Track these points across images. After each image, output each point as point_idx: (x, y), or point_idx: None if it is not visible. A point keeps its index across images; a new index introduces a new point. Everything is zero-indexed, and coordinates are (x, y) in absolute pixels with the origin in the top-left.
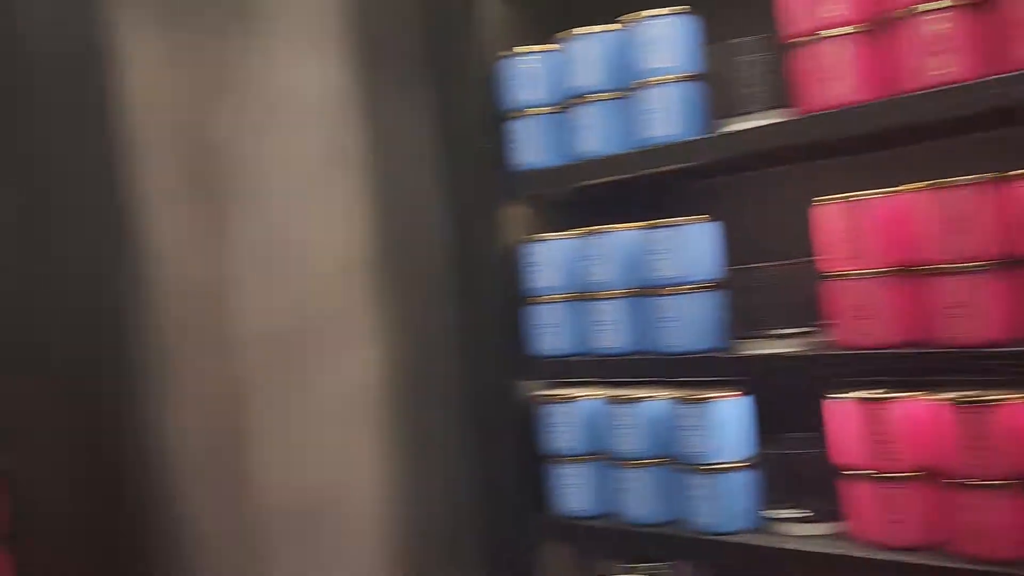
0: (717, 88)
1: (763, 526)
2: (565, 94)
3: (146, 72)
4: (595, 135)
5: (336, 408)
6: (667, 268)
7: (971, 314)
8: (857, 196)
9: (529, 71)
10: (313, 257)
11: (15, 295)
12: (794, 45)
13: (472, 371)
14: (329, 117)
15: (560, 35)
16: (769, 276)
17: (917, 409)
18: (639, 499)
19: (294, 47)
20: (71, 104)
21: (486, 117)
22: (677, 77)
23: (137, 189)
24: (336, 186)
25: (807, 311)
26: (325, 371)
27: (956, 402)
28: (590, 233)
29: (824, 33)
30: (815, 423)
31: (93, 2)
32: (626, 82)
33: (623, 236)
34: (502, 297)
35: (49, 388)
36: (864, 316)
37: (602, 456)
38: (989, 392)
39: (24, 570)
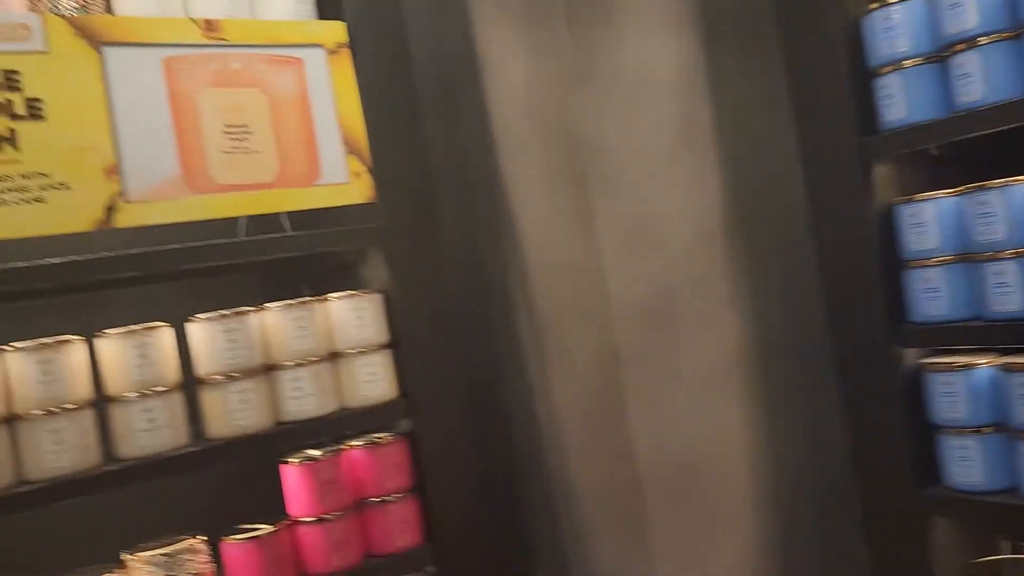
0: None
1: None
2: (943, 41)
3: (511, 69)
4: (981, 82)
5: (703, 373)
6: None
7: None
8: None
9: (899, 20)
10: (673, 230)
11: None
12: None
13: (841, 338)
14: (680, 92)
15: None
16: None
17: None
18: None
19: (643, 28)
20: (447, 103)
21: (847, 75)
22: None
23: (508, 180)
24: (690, 160)
25: None
26: (692, 338)
27: None
28: (979, 189)
29: None
30: None
31: (464, 8)
32: (1017, 21)
33: (1020, 191)
34: (873, 262)
35: (447, 359)
36: None
37: (1000, 428)
38: None
39: (430, 515)
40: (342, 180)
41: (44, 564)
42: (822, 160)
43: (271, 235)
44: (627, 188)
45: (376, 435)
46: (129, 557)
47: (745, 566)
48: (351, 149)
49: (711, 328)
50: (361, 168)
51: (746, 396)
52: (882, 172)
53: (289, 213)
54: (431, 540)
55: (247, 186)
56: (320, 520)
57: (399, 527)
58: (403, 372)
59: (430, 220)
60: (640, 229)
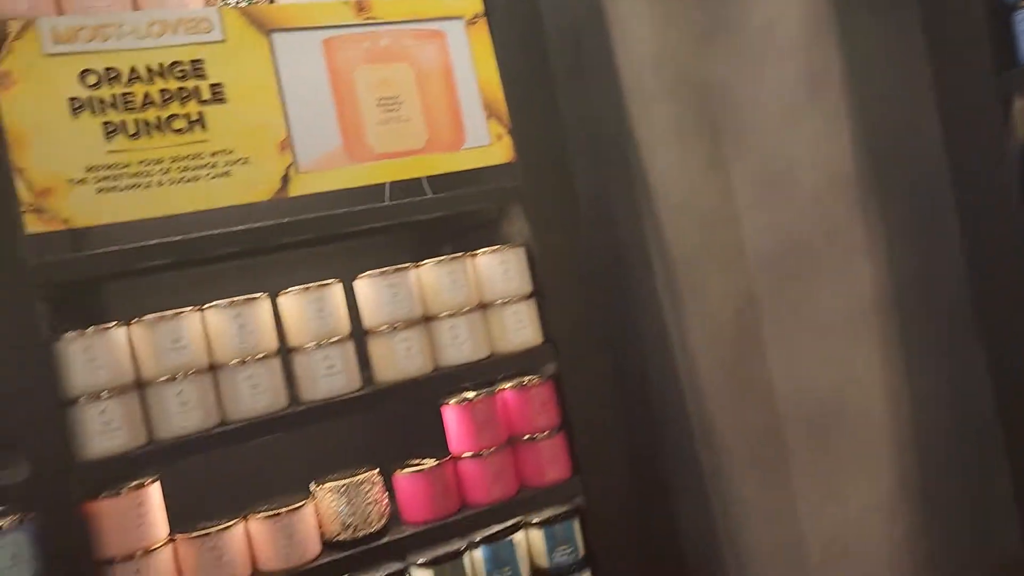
0: None
1: None
2: None
3: (640, 26)
4: None
5: (839, 320)
6: None
7: None
8: None
9: None
10: (804, 179)
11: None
12: None
13: (983, 282)
14: (809, 43)
15: None
16: None
17: None
18: None
19: None
20: (577, 63)
21: (982, 10)
22: None
23: (638, 134)
24: (820, 109)
25: None
26: (826, 284)
27: None
28: None
29: None
30: None
31: None
32: None
33: None
34: (1015, 200)
35: (587, 306)
36: None
37: None
38: None
39: (576, 450)
40: (485, 143)
41: (244, 495)
42: (959, 99)
43: (421, 197)
44: (757, 138)
45: (525, 377)
46: (316, 488)
47: (888, 505)
48: (491, 113)
49: (846, 274)
50: (502, 130)
51: (884, 342)
52: (1022, 108)
53: (433, 177)
54: (578, 473)
55: (401, 153)
56: (478, 455)
57: (549, 461)
58: (547, 319)
59: (565, 176)
60: (771, 178)
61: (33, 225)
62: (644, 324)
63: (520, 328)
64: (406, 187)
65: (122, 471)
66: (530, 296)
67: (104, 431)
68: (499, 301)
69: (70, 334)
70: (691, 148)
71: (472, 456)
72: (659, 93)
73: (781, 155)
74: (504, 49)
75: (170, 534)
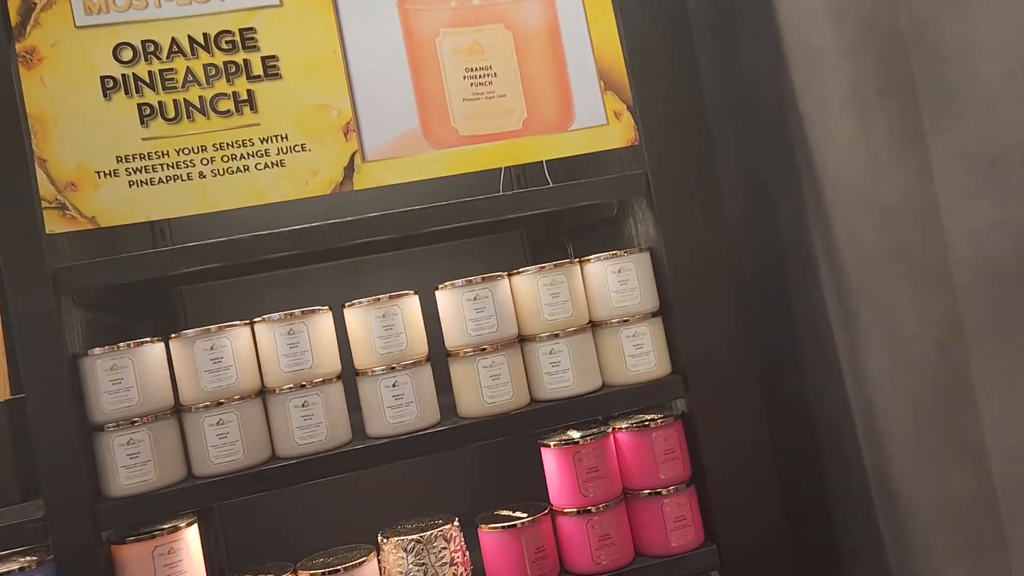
0: None
1: None
2: None
3: None
4: None
5: None
6: None
7: None
8: None
9: None
10: None
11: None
12: None
13: None
14: None
15: None
16: None
17: None
18: None
19: None
20: (723, 18)
21: None
22: None
23: (805, 103)
24: None
25: None
26: None
27: None
28: None
29: None
30: None
31: None
32: None
33: None
34: None
35: (730, 328)
36: None
37: None
38: None
39: (712, 511)
40: (600, 122)
41: (296, 543)
42: None
43: (518, 191)
44: (972, 104)
45: (646, 417)
46: (382, 540)
47: None
48: (609, 85)
49: None
50: (621, 106)
51: None
52: None
53: (529, 166)
54: (714, 540)
55: (493, 136)
56: (584, 512)
57: (675, 524)
58: (676, 344)
59: (706, 161)
60: (990, 158)
61: (54, 224)
62: (806, 353)
63: (641, 354)
64: (486, 179)
65: (153, 512)
66: (655, 314)
67: (132, 465)
68: (615, 320)
69: (96, 350)
70: (876, 121)
71: (576, 512)
72: (835, 50)
73: (1006, 127)
74: (628, 4)
75: None
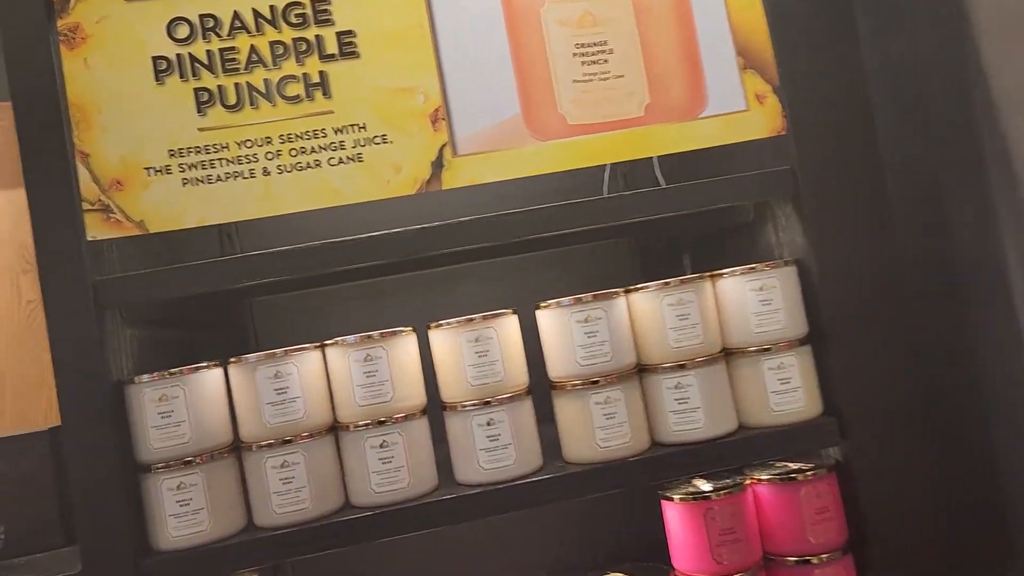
0: None
1: None
2: None
3: None
4: None
5: None
6: None
7: None
8: None
9: None
10: None
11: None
12: None
13: None
14: None
15: None
16: None
17: None
18: None
19: None
20: None
21: None
22: None
23: (998, 88)
24: None
25: None
26: None
27: None
28: None
29: None
30: None
31: None
32: None
33: None
34: None
35: (898, 359)
36: None
37: None
38: None
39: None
40: (738, 107)
41: None
42: None
43: (638, 190)
44: None
45: (791, 466)
46: None
47: None
48: (749, 63)
49: None
50: (765, 88)
51: None
52: None
53: (643, 163)
54: None
55: (608, 125)
56: None
57: None
58: (830, 378)
59: (868, 154)
60: None
61: (96, 229)
62: (996, 390)
63: (787, 391)
64: (581, 182)
65: (206, 569)
66: (804, 342)
67: (183, 513)
68: (754, 348)
69: (143, 377)
70: None
71: None
72: None
73: None
74: None
75: None
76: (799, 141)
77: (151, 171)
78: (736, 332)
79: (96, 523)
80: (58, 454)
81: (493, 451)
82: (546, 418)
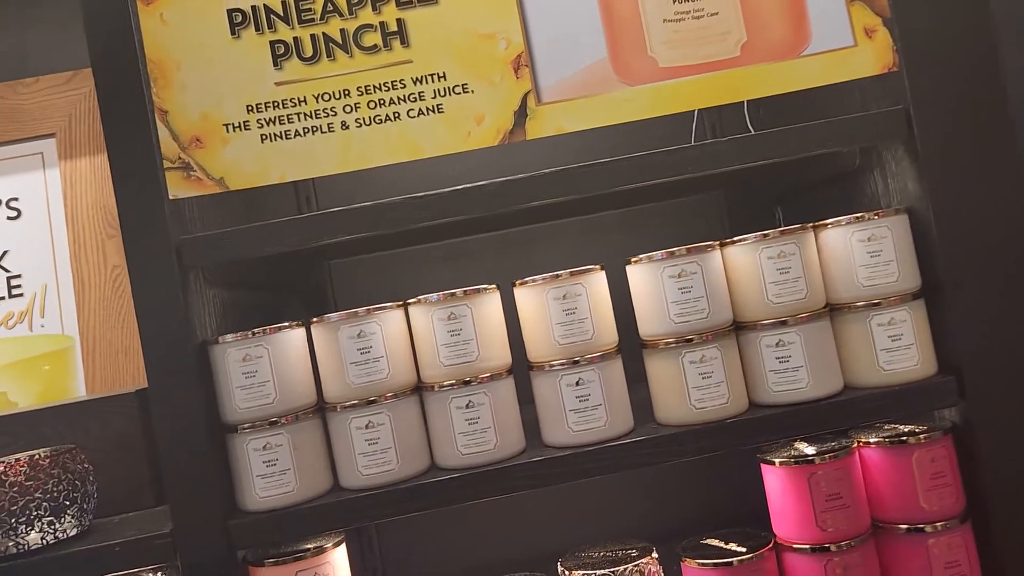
0: None
1: None
2: None
3: None
4: None
5: None
6: None
7: None
8: None
9: None
10: None
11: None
12: None
13: None
14: None
15: None
16: None
17: None
18: None
19: None
20: None
21: None
22: None
23: None
24: None
25: None
26: None
27: None
28: None
29: None
30: None
31: None
32: None
33: None
34: None
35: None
36: None
37: None
38: None
39: (994, 554)
40: (844, 43)
41: (465, 569)
42: None
43: (733, 136)
44: None
45: (902, 429)
46: (563, 570)
47: None
48: None
49: None
50: (874, 21)
51: None
52: None
53: (733, 111)
54: None
55: (703, 67)
56: (821, 549)
57: (945, 571)
58: (947, 334)
59: (991, 91)
60: None
61: (177, 188)
62: None
63: (899, 348)
64: (664, 132)
65: (294, 530)
66: (916, 295)
67: (270, 474)
68: (862, 303)
69: (227, 337)
70: None
71: (811, 550)
72: None
73: None
74: None
75: None
76: (913, 77)
77: (229, 127)
78: (842, 286)
79: (184, 483)
80: (147, 416)
81: (583, 412)
82: (634, 381)
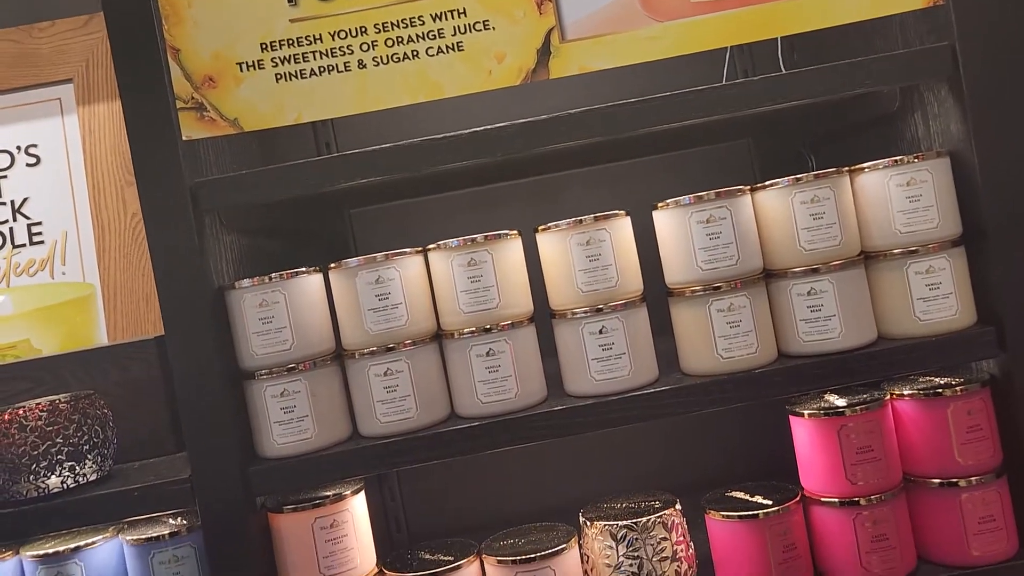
0: None
1: None
2: None
3: None
4: None
5: None
6: None
7: None
8: None
9: None
10: None
11: None
12: None
13: None
14: None
15: None
16: None
17: None
18: None
19: None
20: None
21: None
22: None
23: None
24: None
25: None
26: None
27: None
28: None
29: None
30: None
31: None
32: None
33: None
34: None
35: None
36: None
37: None
38: None
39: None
40: None
41: (484, 519)
42: None
43: (766, 75)
44: None
45: (937, 381)
46: (584, 521)
47: None
48: None
49: None
50: None
51: None
52: None
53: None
54: None
55: (734, 1)
56: (850, 503)
57: (980, 527)
58: (988, 284)
59: None
60: None
61: (191, 129)
62: None
63: (936, 297)
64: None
65: (312, 477)
66: (956, 243)
67: (288, 420)
68: (899, 251)
69: (244, 282)
70: None
71: (840, 504)
72: None
73: None
74: None
75: (378, 564)
76: (960, 12)
77: (243, 66)
78: (878, 233)
79: (202, 430)
80: (166, 362)
81: (606, 361)
82: (659, 330)
